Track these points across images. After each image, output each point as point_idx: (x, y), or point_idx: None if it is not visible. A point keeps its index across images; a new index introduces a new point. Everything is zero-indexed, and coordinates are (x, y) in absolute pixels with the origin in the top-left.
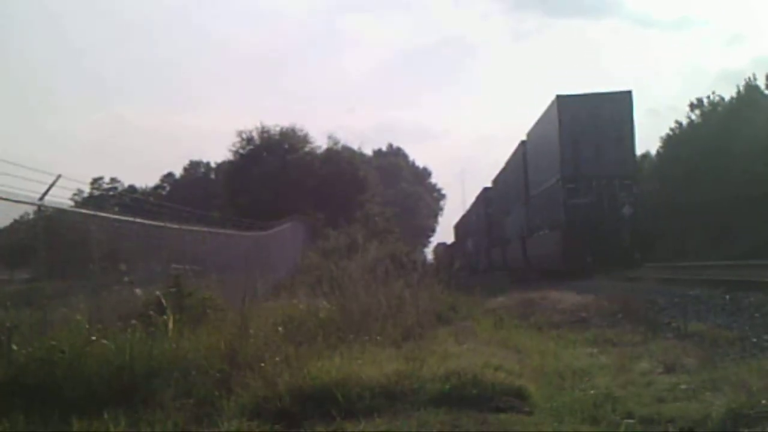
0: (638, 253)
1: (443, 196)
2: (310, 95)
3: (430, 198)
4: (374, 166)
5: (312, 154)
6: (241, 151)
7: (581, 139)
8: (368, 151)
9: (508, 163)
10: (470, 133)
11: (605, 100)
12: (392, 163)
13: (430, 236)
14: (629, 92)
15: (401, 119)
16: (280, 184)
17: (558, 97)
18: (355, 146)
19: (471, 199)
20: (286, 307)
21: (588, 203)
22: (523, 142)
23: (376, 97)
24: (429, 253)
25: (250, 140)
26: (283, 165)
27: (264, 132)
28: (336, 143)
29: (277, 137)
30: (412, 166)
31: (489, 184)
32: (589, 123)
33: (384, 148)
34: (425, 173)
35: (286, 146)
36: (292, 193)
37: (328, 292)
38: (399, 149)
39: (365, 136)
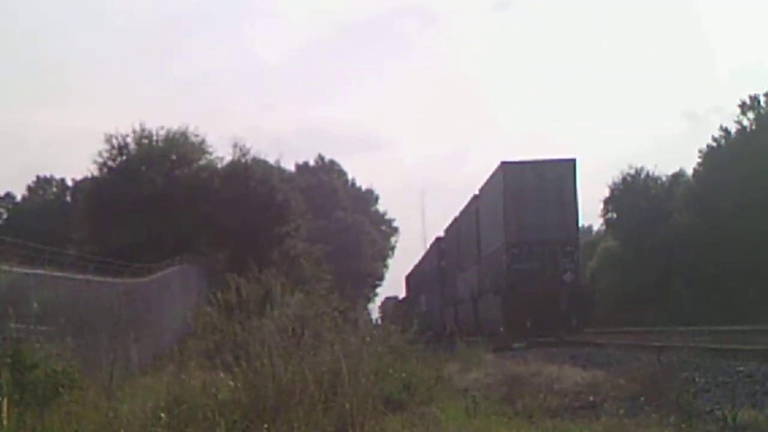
0: (575, 320)
1: (395, 231)
2: (210, 85)
3: (377, 232)
4: (298, 187)
5: (210, 168)
6: (111, 163)
7: (525, 206)
8: (290, 165)
9: (462, 215)
10: (433, 142)
11: (549, 168)
12: (324, 182)
13: (376, 285)
14: (573, 160)
15: (336, 121)
16: (164, 211)
17: (503, 164)
18: (271, 158)
19: (434, 236)
20: (173, 385)
21: (530, 269)
22: (475, 197)
23: (301, 89)
24: (375, 309)
25: (123, 148)
26: (170, 184)
27: (144, 137)
28: (244, 153)
29: (161, 144)
30: (352, 188)
31: (452, 222)
32: (533, 190)
33: (312, 162)
34: (370, 197)
35: (174, 157)
36: (181, 223)
37: (232, 363)
38: (333, 163)
39: (286, 144)
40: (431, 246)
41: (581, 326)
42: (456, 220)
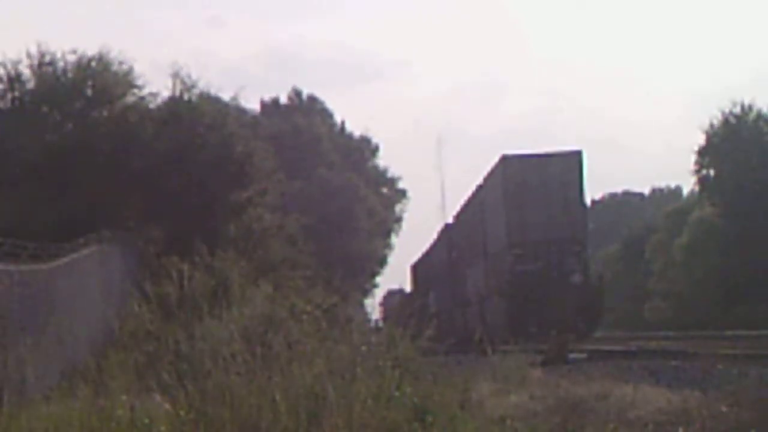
0: (583, 323)
1: (402, 195)
2: None
3: (377, 197)
4: (265, 134)
5: (141, 108)
6: None
7: (528, 203)
8: (253, 103)
9: (468, 205)
10: (454, 69)
11: (553, 161)
12: (301, 127)
13: (376, 273)
14: (579, 152)
15: (315, 40)
16: (75, 170)
17: (503, 158)
18: (226, 94)
19: (456, 196)
20: (88, 415)
21: (535, 270)
22: (480, 187)
23: None
24: (374, 305)
25: (15, 81)
26: (84, 131)
27: (45, 64)
28: (188, 88)
29: (70, 75)
30: (341, 135)
31: (461, 208)
32: (536, 186)
33: (284, 98)
34: (366, 148)
35: (90, 93)
36: (100, 185)
37: (172, 383)
38: (313, 100)
39: (245, 74)
40: (440, 234)
41: (590, 331)
42: (463, 208)
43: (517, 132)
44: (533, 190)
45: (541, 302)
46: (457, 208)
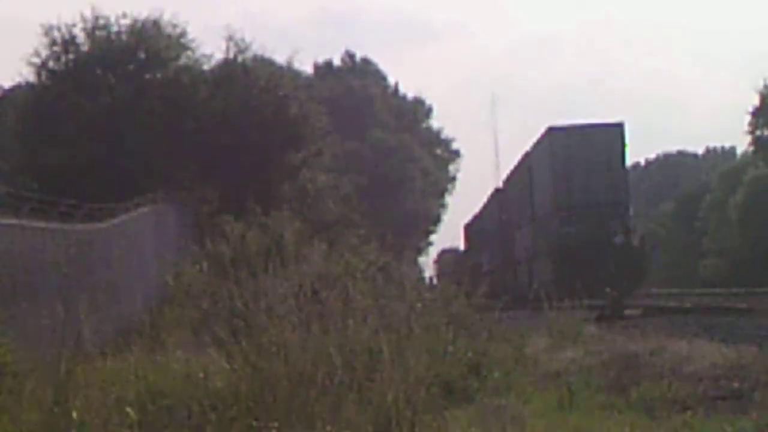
0: (626, 282)
1: (456, 155)
2: None
3: (430, 158)
4: (319, 96)
5: (194, 71)
6: (53, 65)
7: (573, 171)
8: (306, 66)
9: (517, 171)
10: (509, 26)
11: (596, 133)
12: (354, 88)
13: (430, 232)
14: (621, 124)
15: (368, 1)
16: (130, 131)
17: (549, 129)
18: (280, 56)
19: (511, 153)
20: (144, 370)
21: (579, 232)
22: (527, 154)
23: None
24: (428, 263)
25: (70, 44)
26: (138, 93)
27: (99, 28)
28: (242, 50)
29: (124, 38)
30: (395, 96)
31: (509, 174)
32: (580, 155)
33: (337, 61)
34: (420, 109)
35: (143, 56)
36: (154, 146)
37: (228, 340)
38: (367, 62)
39: (299, 37)
40: (491, 197)
41: (633, 289)
42: (512, 174)
43: (571, 89)
44: (578, 159)
45: (586, 262)
46: (509, 170)
